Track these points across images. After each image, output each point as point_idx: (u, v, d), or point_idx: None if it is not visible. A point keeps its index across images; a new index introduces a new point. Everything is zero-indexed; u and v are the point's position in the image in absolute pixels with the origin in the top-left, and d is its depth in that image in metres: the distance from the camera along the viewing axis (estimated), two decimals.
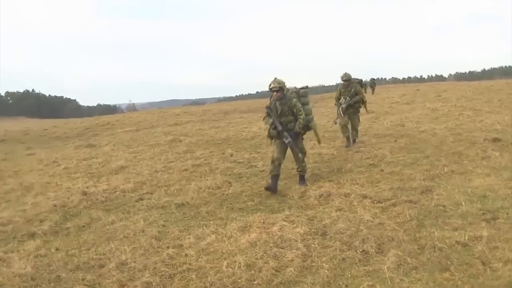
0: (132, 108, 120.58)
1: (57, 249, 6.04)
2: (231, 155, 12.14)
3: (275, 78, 8.12)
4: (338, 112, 12.59)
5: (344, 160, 10.32)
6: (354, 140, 12.63)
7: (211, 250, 5.42)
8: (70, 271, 5.26)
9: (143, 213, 7.14)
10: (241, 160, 11.33)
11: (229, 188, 8.46)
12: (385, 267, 4.48)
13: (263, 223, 6.12)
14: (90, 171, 12.02)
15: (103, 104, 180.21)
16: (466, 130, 12.90)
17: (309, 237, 5.48)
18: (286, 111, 8.13)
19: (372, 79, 45.58)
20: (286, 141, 8.07)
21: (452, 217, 5.75)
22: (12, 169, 14.40)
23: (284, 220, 6.11)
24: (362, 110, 13.12)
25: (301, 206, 6.93)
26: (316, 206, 6.83)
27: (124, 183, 9.57)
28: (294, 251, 5.05)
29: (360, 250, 4.97)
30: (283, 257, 4.96)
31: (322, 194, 7.24)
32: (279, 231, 5.68)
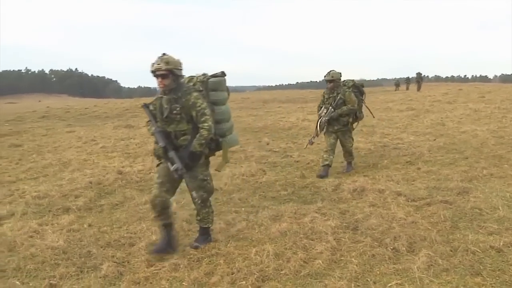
0: None
1: (89, 225, 6.14)
2: (267, 144, 12.14)
3: (163, 54, 4.94)
4: (316, 128, 8.93)
5: (380, 156, 10.19)
6: (349, 163, 9.15)
7: (241, 236, 5.43)
8: (101, 247, 5.34)
9: (176, 196, 7.16)
10: (277, 149, 11.31)
11: (263, 177, 8.45)
12: (415, 267, 4.40)
13: (295, 213, 6.10)
14: (126, 151, 12.17)
15: (143, 87, 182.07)
16: (508, 133, 12.56)
17: (340, 230, 5.43)
18: (178, 113, 4.96)
19: (419, 74, 43.21)
20: (172, 169, 4.90)
21: (488, 221, 5.60)
22: (52, 145, 14.68)
23: (316, 212, 6.07)
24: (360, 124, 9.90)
25: (334, 199, 6.88)
26: (349, 200, 6.76)
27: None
28: (324, 243, 5.01)
29: (391, 247, 4.89)
30: (312, 249, 4.92)
31: (356, 189, 7.17)
32: (310, 223, 5.65)
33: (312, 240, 5.15)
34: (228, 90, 5.56)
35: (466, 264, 4.46)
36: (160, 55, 4.92)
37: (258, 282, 4.28)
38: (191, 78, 5.30)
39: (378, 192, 6.99)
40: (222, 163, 5.65)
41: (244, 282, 4.29)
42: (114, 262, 4.87)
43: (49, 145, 14.88)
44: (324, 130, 8.84)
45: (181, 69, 5.01)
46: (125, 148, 12.78)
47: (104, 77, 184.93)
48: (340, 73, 8.86)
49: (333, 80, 8.73)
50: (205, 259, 4.83)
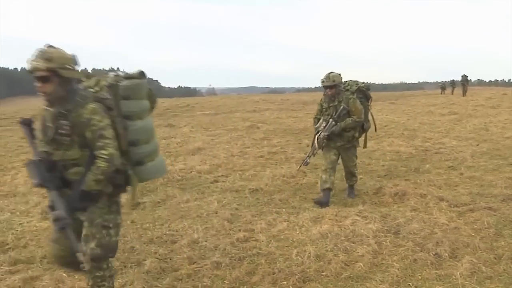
0: (211, 92, 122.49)
1: (132, 222, 6.24)
2: (308, 146, 12.10)
3: (49, 47, 3.36)
4: (312, 145, 7.47)
5: (422, 160, 10.07)
6: (352, 187, 7.56)
7: (282, 237, 5.45)
8: (144, 243, 5.43)
9: (217, 195, 7.25)
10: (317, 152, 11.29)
11: (303, 178, 8.45)
12: (458, 273, 4.36)
13: (336, 215, 6.09)
14: (168, 150, 12.30)
15: (184, 87, 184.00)
16: None
17: (381, 234, 5.39)
18: (67, 135, 3.37)
19: (464, 77, 39.18)
20: (52, 218, 3.35)
21: None
22: None
23: (357, 215, 6.03)
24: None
25: (375, 203, 6.85)
26: (391, 204, 6.72)
27: (200, 164, 9.76)
28: (365, 246, 5.00)
29: (433, 253, 4.84)
30: (354, 251, 4.92)
31: (398, 193, 7.10)
32: (351, 225, 5.62)
33: (353, 243, 5.14)
34: (152, 97, 3.89)
35: (511, 273, 4.40)
36: (43, 47, 3.36)
37: (299, 283, 4.31)
38: (97, 80, 3.65)
39: (419, 196, 6.92)
40: (131, 201, 4.66)
41: (285, 282, 4.32)
42: (157, 259, 4.95)
43: None
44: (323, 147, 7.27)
45: (71, 69, 3.38)
46: (166, 147, 12.92)
47: None
48: (341, 75, 7.17)
49: (334, 86, 7.04)
50: (247, 259, 4.87)
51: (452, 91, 43.64)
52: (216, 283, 4.38)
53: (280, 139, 13.57)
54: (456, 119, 18.11)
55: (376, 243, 5.12)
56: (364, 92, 7.47)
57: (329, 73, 7.05)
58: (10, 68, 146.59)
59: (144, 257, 5.00)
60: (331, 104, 7.15)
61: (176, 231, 5.82)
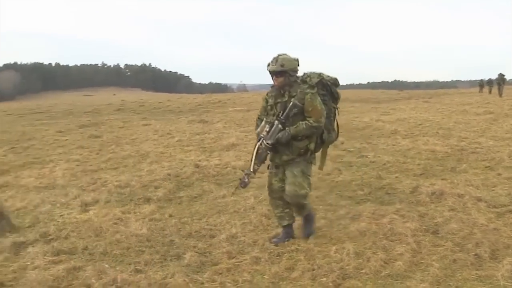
0: (242, 88, 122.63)
1: (170, 216, 6.34)
2: (342, 143, 12.06)
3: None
4: (251, 160, 5.26)
5: (458, 160, 9.95)
6: (308, 220, 5.55)
7: (320, 234, 5.46)
8: (183, 237, 5.52)
9: (254, 191, 7.28)
10: (352, 149, 11.26)
11: (338, 176, 8.44)
12: (499, 274, 4.31)
13: (373, 214, 6.07)
14: (202, 145, 12.42)
15: (215, 83, 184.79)
16: None
17: (420, 233, 5.37)
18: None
19: (501, 75, 37.20)
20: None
21: None
22: (129, 137, 15.17)
23: (395, 214, 6.01)
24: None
25: (412, 202, 6.78)
26: (428, 204, 6.66)
27: (235, 160, 9.82)
28: (404, 245, 4.97)
29: (473, 253, 4.79)
30: (392, 250, 4.90)
31: (435, 192, 7.03)
32: (389, 224, 5.61)
33: (391, 241, 5.12)
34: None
35: None
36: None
37: (339, 280, 4.32)
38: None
39: (457, 196, 6.84)
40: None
41: (325, 279, 4.33)
42: (196, 252, 5.02)
43: (126, 137, 15.36)
44: (267, 161, 5.40)
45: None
46: (200, 142, 13.03)
47: (176, 72, 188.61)
48: (297, 60, 5.21)
49: (283, 73, 5.08)
50: (285, 255, 4.90)
51: (490, 90, 41.83)
52: (256, 278, 4.43)
53: None
54: (492, 118, 17.82)
55: (415, 242, 5.09)
56: (329, 87, 5.40)
57: (279, 55, 5.13)
58: (44, 64, 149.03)
59: (183, 250, 5.08)
60: (279, 100, 5.20)
61: (214, 225, 5.90)
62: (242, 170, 5.40)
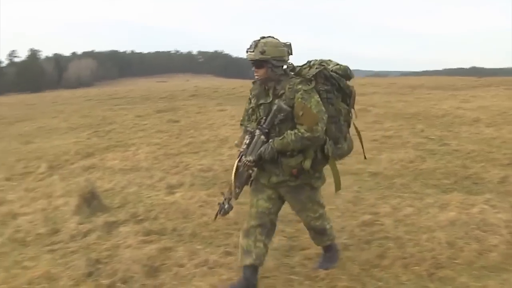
0: None
1: None
2: (422, 131, 11.80)
3: None
4: (231, 181, 3.95)
5: None
6: (329, 249, 4.46)
7: (409, 222, 5.38)
8: None
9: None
10: (433, 137, 10.97)
11: (422, 164, 8.24)
12: None
13: (461, 203, 5.90)
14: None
15: None
16: None
17: None
18: None
19: None
20: None
21: None
22: (206, 122, 15.33)
23: (485, 204, 5.82)
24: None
25: (502, 192, 6.55)
26: None
27: None
28: (498, 236, 4.81)
29: None
30: (486, 240, 4.75)
31: None
32: (479, 214, 5.43)
33: (484, 232, 4.96)
34: None
35: None
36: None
37: (432, 269, 4.25)
38: None
39: None
40: None
41: (417, 267, 4.27)
42: (284, 237, 5.07)
43: (203, 122, 15.53)
44: (250, 182, 4.09)
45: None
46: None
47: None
48: (286, 46, 3.87)
49: (263, 62, 3.76)
50: (374, 242, 4.87)
51: None
52: (347, 264, 4.40)
53: (392, 123, 13.30)
54: None
55: (509, 233, 4.91)
56: (335, 81, 3.96)
57: (260, 39, 3.79)
58: (120, 51, 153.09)
59: None
60: (262, 101, 3.91)
61: None
62: (222, 193, 4.08)
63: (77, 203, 6.22)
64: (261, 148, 3.77)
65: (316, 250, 4.64)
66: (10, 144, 12.70)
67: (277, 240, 4.90)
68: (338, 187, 4.26)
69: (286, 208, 5.90)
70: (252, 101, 4.00)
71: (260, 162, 3.85)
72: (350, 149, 4.22)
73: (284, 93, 3.76)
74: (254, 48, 3.75)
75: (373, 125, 12.93)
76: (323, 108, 3.73)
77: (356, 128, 4.35)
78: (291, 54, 3.90)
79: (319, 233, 4.32)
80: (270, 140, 3.77)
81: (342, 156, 4.16)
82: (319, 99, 3.74)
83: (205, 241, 5.07)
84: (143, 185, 7.38)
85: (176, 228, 5.46)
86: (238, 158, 3.89)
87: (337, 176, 4.16)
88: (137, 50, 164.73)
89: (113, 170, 8.64)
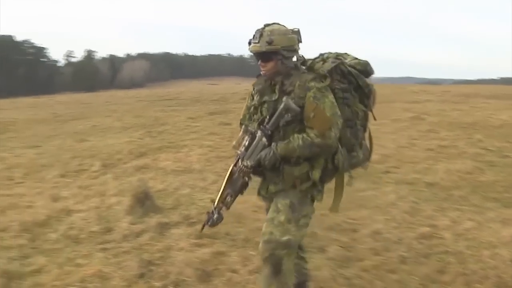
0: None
1: None
2: (480, 141, 11.46)
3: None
4: (220, 191, 3.49)
5: None
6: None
7: (469, 237, 5.17)
8: (324, 229, 5.42)
9: (393, 186, 7.07)
10: (492, 148, 10.62)
11: (481, 175, 7.97)
12: None
13: None
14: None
15: None
16: None
17: None
18: None
19: None
20: None
21: None
22: None
23: None
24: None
25: None
26: None
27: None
28: None
29: None
30: None
31: None
32: None
33: None
34: None
35: None
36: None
37: None
38: None
39: None
40: None
41: (479, 285, 4.09)
42: (340, 246, 4.94)
43: None
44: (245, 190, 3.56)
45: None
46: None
47: None
48: (295, 33, 3.31)
49: (271, 54, 3.24)
50: (433, 256, 4.69)
51: None
52: (404, 278, 4.25)
53: (447, 132, 12.96)
54: None
55: None
56: (353, 78, 3.40)
57: (264, 26, 3.27)
58: (172, 53, 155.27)
59: (326, 243, 5.00)
60: (266, 98, 3.38)
61: (355, 219, 5.76)
62: (212, 201, 3.56)
63: (130, 202, 6.23)
64: (262, 153, 3.23)
65: (373, 261, 4.52)
66: (65, 141, 12.91)
67: (332, 249, 4.81)
68: (335, 207, 3.66)
69: (339, 216, 5.84)
70: (255, 97, 3.48)
71: (259, 168, 3.33)
72: (366, 159, 3.65)
73: (293, 90, 3.21)
74: (259, 38, 3.21)
75: (427, 133, 12.65)
76: (338, 110, 3.19)
77: (370, 135, 3.77)
78: (301, 42, 3.34)
79: (273, 268, 3.26)
80: (273, 144, 3.22)
81: (355, 166, 3.57)
82: (333, 99, 3.20)
83: (257, 246, 4.99)
84: (196, 187, 7.36)
85: (229, 232, 5.39)
86: (234, 162, 3.40)
87: (340, 193, 3.60)
88: (189, 53, 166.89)
89: (166, 171, 8.66)
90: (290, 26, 3.33)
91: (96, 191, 7.34)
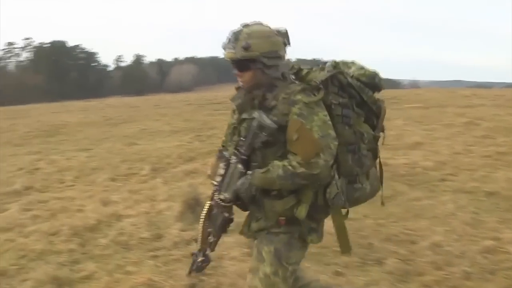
0: (414, 84, 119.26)
1: (365, 216, 6.04)
2: None
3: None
4: (201, 230, 2.91)
5: None
6: None
7: None
8: (381, 240, 5.22)
9: (450, 195, 6.78)
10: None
11: None
12: None
13: None
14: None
15: (385, 78, 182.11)
16: None
17: None
18: None
19: None
20: None
21: None
22: None
23: None
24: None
25: None
26: None
27: (423, 160, 9.29)
28: None
29: None
30: None
31: None
32: None
33: None
34: None
35: None
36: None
37: None
38: None
39: None
40: None
41: None
42: (398, 259, 4.71)
43: None
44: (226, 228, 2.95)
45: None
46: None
47: None
48: (281, 34, 2.70)
49: (248, 62, 2.65)
50: (500, 272, 4.41)
51: None
52: None
53: (505, 138, 12.46)
54: None
55: None
56: (355, 92, 2.82)
57: (242, 27, 2.67)
58: (219, 57, 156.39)
59: (384, 255, 4.80)
60: (245, 116, 2.73)
61: (413, 230, 5.52)
62: (195, 240, 3.03)
63: (180, 208, 6.17)
64: (238, 183, 2.63)
65: (434, 277, 4.30)
66: (114, 145, 13.01)
67: (390, 262, 4.59)
68: (346, 248, 2.83)
69: (396, 226, 5.61)
70: (234, 115, 2.86)
71: (238, 202, 2.76)
72: (374, 191, 3.02)
73: (276, 105, 2.59)
74: (234, 42, 2.62)
75: (483, 140, 12.20)
76: (332, 132, 2.53)
77: (380, 164, 3.14)
78: (289, 45, 2.72)
79: None
80: (249, 173, 2.63)
81: (359, 201, 2.91)
82: (326, 117, 2.55)
83: (314, 258, 4.79)
84: None
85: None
86: (211, 195, 2.87)
87: (342, 233, 2.81)
88: None
89: None
90: (276, 25, 2.74)
91: (146, 196, 7.31)
